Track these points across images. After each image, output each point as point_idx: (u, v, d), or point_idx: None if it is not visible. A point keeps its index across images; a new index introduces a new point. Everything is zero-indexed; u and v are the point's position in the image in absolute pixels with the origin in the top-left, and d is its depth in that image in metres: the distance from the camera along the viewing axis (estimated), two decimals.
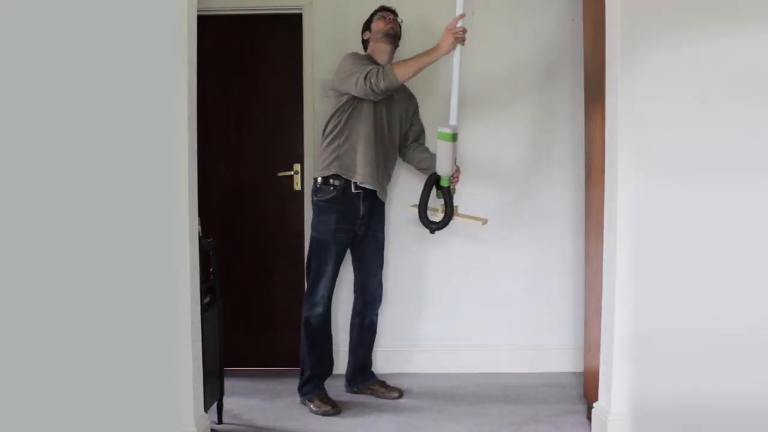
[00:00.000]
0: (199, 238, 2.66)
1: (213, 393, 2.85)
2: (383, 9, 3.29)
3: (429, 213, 3.08)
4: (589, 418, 2.83)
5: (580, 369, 3.41)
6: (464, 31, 2.92)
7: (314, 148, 3.58)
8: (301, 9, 3.65)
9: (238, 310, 3.70)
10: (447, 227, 3.08)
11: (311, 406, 3.11)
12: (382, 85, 2.96)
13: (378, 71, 2.98)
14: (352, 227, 3.17)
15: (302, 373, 3.21)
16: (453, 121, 2.99)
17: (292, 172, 3.71)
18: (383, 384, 3.35)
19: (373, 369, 3.44)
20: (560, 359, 3.68)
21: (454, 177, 3.07)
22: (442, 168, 3.00)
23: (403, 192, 3.62)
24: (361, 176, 3.11)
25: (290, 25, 3.67)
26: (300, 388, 3.21)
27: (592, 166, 2.93)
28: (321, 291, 3.14)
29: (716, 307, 2.44)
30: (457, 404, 3.19)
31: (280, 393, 3.36)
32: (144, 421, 1.93)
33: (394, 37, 3.22)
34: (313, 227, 3.19)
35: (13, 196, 1.74)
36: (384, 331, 3.58)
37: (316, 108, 3.58)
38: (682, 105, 2.44)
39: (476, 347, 3.70)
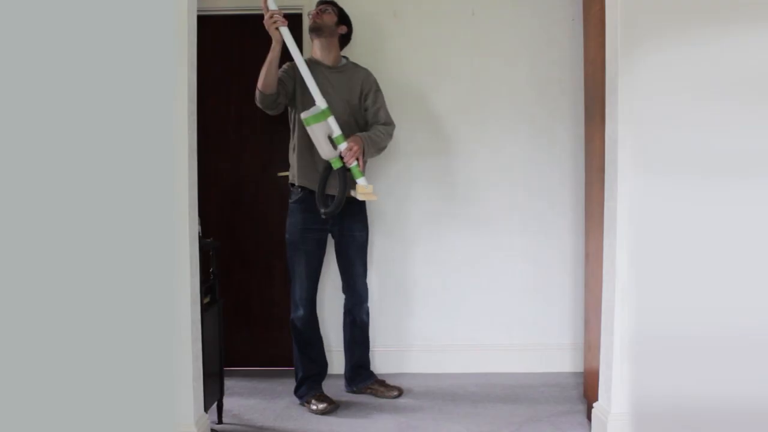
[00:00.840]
0: (199, 237, 2.66)
1: (213, 393, 2.85)
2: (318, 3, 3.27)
3: None
4: (589, 417, 2.83)
5: (580, 369, 3.41)
6: (278, 13, 2.96)
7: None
8: (300, 9, 3.66)
9: (238, 310, 3.71)
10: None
11: (310, 406, 3.12)
12: (258, 100, 3.07)
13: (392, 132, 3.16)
14: (323, 227, 3.17)
15: (296, 375, 3.24)
16: (318, 103, 2.97)
17: None
18: (382, 383, 3.35)
19: (372, 368, 3.44)
20: (560, 359, 3.68)
21: (347, 155, 2.98)
22: (321, 152, 2.99)
23: (401, 185, 3.63)
24: (300, 180, 3.14)
25: (290, 25, 3.67)
26: (296, 391, 3.22)
27: (592, 166, 2.94)
28: (298, 292, 3.17)
29: (716, 307, 2.44)
30: (456, 404, 3.19)
31: (280, 393, 3.37)
32: (144, 421, 1.93)
33: (315, 30, 3.19)
34: (286, 229, 3.22)
35: (13, 196, 1.74)
36: (384, 331, 3.59)
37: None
38: (682, 105, 2.45)
39: (476, 347, 3.70)
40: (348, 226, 3.24)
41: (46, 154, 1.79)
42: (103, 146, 1.90)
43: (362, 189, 2.99)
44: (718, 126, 2.43)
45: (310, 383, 3.20)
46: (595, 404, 2.72)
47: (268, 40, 3.07)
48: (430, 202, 3.68)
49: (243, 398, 3.29)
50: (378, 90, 3.26)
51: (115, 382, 1.87)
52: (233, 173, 3.76)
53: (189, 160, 2.52)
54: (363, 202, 3.26)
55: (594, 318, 2.83)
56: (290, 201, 3.22)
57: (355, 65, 3.28)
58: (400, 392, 3.31)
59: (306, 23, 3.64)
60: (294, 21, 3.67)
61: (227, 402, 3.08)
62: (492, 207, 3.69)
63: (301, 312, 3.18)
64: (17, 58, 1.74)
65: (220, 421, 2.95)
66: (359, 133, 3.07)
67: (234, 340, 3.56)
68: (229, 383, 3.17)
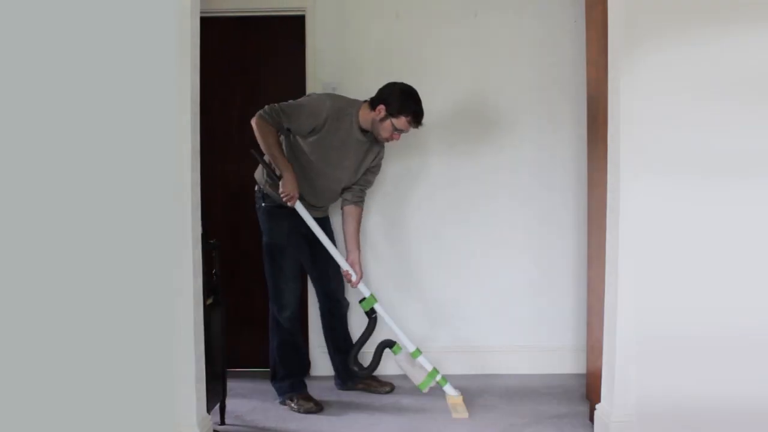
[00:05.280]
0: (202, 239, 2.66)
1: (215, 394, 2.85)
2: (415, 120, 3.05)
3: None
4: (591, 419, 2.83)
5: (582, 370, 3.41)
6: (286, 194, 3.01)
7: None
8: (304, 11, 3.66)
9: (241, 312, 3.70)
10: None
11: (292, 404, 3.14)
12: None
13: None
14: (307, 230, 3.15)
15: (275, 374, 3.24)
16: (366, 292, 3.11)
17: None
18: (374, 378, 3.36)
19: (366, 366, 3.43)
20: (563, 360, 3.67)
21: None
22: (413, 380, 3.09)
23: (402, 185, 3.62)
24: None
25: (293, 27, 3.68)
26: (277, 389, 3.23)
27: (595, 167, 2.93)
28: (287, 294, 3.17)
29: (719, 308, 2.44)
30: None
31: None
32: (146, 422, 1.94)
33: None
34: (266, 234, 3.22)
35: (19, 197, 1.74)
36: (385, 333, 3.57)
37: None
38: (683, 105, 2.45)
39: (478, 348, 3.70)
40: (323, 225, 3.20)
41: (48, 156, 1.80)
42: (107, 148, 1.91)
43: (453, 401, 3.00)
44: (719, 126, 2.43)
45: (292, 381, 3.21)
46: (597, 406, 2.71)
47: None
48: (430, 204, 3.68)
49: (246, 399, 3.29)
50: (379, 163, 3.27)
51: (118, 383, 1.88)
52: (237, 175, 3.76)
53: (192, 161, 2.52)
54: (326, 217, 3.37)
55: (596, 319, 2.82)
56: (267, 205, 3.21)
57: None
58: (392, 388, 3.36)
59: (307, 24, 3.65)
60: (295, 22, 3.68)
61: (230, 403, 3.08)
62: (494, 208, 3.68)
63: (288, 313, 3.17)
64: (20, 59, 1.75)
65: (222, 423, 2.96)
66: (355, 253, 3.18)
67: (237, 341, 3.56)
68: (231, 384, 3.17)
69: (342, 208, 3.27)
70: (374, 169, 3.27)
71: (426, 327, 3.68)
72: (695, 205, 2.46)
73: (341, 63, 3.61)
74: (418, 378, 3.04)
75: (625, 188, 2.51)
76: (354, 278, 3.12)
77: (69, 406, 1.79)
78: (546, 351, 3.69)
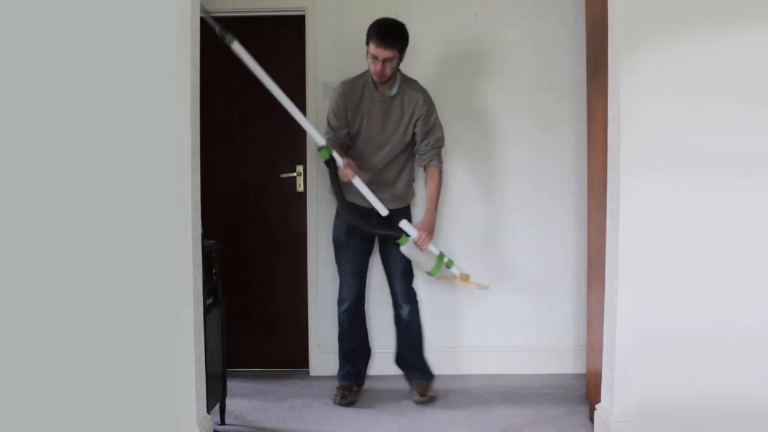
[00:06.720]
0: (202, 239, 2.67)
1: (216, 394, 2.85)
2: (378, 38, 3.01)
3: (443, 278, 3.24)
4: (591, 419, 2.83)
5: (582, 370, 3.41)
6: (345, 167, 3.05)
7: (316, 149, 3.59)
8: (303, 11, 3.66)
9: (240, 312, 3.71)
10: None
11: (335, 394, 3.26)
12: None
13: (441, 147, 3.24)
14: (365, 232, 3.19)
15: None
16: (320, 141, 3.05)
17: (294, 174, 3.72)
18: (417, 388, 3.28)
19: (397, 370, 3.45)
20: (562, 360, 3.67)
21: (419, 244, 3.09)
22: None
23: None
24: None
25: (293, 27, 3.68)
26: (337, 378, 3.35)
27: (595, 167, 2.93)
28: (344, 288, 3.29)
29: (719, 307, 2.44)
30: (459, 405, 3.19)
31: (283, 394, 3.37)
32: (146, 422, 1.94)
33: (379, 83, 3.13)
34: (333, 229, 3.32)
35: (17, 198, 1.74)
36: (385, 333, 3.57)
37: (319, 109, 3.59)
38: (683, 105, 2.45)
39: (478, 349, 3.70)
40: (388, 225, 3.18)
41: (47, 157, 1.80)
42: (106, 148, 1.91)
43: (465, 279, 3.15)
44: (719, 126, 2.43)
45: (343, 374, 3.32)
46: (597, 406, 2.71)
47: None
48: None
49: (246, 399, 3.29)
50: (428, 115, 3.17)
51: (118, 384, 1.87)
52: (236, 175, 3.77)
53: (192, 161, 2.53)
54: (409, 208, 3.35)
55: (597, 319, 2.83)
56: (336, 205, 3.28)
57: (409, 86, 3.20)
58: (428, 400, 3.23)
59: (308, 24, 3.65)
60: (296, 23, 3.68)
61: (230, 403, 3.08)
62: (494, 208, 3.68)
63: (344, 307, 3.28)
64: (18, 59, 1.75)
65: (222, 423, 2.96)
66: (427, 214, 3.17)
67: (237, 341, 3.57)
68: (231, 384, 3.18)
69: None
70: (426, 126, 3.17)
71: (426, 327, 3.68)
72: (695, 205, 2.46)
73: (341, 63, 3.61)
74: (428, 264, 3.10)
75: (625, 188, 2.51)
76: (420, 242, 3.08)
77: (69, 406, 1.79)
78: (546, 351, 3.69)
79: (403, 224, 3.10)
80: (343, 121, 3.16)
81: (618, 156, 2.52)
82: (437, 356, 3.66)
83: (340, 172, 3.04)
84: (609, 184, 2.62)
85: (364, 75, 3.18)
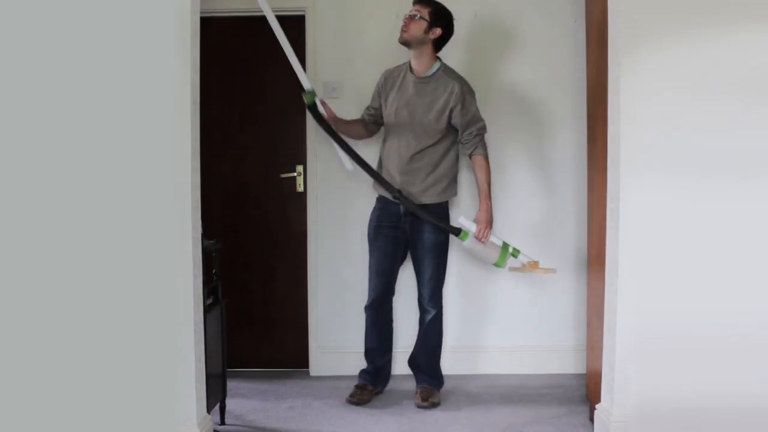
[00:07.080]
0: (202, 239, 2.66)
1: (215, 394, 2.85)
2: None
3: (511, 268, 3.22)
4: (591, 419, 2.83)
5: (582, 370, 3.40)
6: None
7: (317, 149, 3.60)
8: (304, 11, 3.66)
9: (240, 312, 3.70)
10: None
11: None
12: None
13: (484, 134, 3.22)
14: (397, 223, 3.23)
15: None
16: (307, 85, 3.16)
17: (294, 174, 3.72)
18: (422, 392, 3.24)
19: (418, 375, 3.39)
20: (562, 360, 3.67)
21: (480, 236, 3.09)
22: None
23: None
24: (377, 190, 3.31)
25: (293, 26, 3.68)
26: None
27: (595, 167, 2.93)
28: (371, 283, 3.30)
29: (719, 307, 2.44)
30: (459, 406, 3.19)
31: (283, 394, 3.37)
32: (146, 422, 1.94)
33: (403, 44, 3.15)
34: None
35: (18, 198, 1.75)
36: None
37: (319, 109, 3.58)
38: (683, 105, 2.45)
39: (478, 348, 3.69)
40: (418, 226, 3.19)
41: (50, 156, 1.80)
42: (106, 148, 1.91)
43: (534, 266, 3.11)
44: (719, 126, 2.43)
45: (361, 371, 3.33)
46: (597, 406, 2.71)
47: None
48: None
49: (246, 399, 3.29)
50: (464, 103, 3.13)
51: (119, 384, 1.88)
52: (236, 175, 3.77)
53: (192, 161, 2.52)
54: (445, 206, 3.29)
55: (596, 319, 2.83)
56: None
57: (447, 74, 3.19)
58: (430, 405, 3.18)
59: (308, 24, 3.66)
60: (296, 23, 3.68)
61: (230, 403, 3.08)
62: (494, 208, 3.67)
63: (368, 301, 3.30)
64: (18, 59, 1.75)
65: (222, 423, 2.96)
66: (482, 205, 3.16)
67: (237, 341, 3.56)
68: (231, 384, 3.17)
69: None
70: (466, 115, 3.14)
71: None
72: (695, 205, 2.46)
73: (341, 63, 3.61)
74: (492, 256, 3.08)
75: (625, 188, 2.51)
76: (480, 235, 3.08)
77: (69, 406, 1.79)
78: (546, 351, 3.68)
79: (462, 220, 3.09)
80: (376, 101, 3.30)
81: (618, 156, 2.52)
82: None
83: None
84: (609, 184, 2.62)
85: (406, 63, 3.26)
